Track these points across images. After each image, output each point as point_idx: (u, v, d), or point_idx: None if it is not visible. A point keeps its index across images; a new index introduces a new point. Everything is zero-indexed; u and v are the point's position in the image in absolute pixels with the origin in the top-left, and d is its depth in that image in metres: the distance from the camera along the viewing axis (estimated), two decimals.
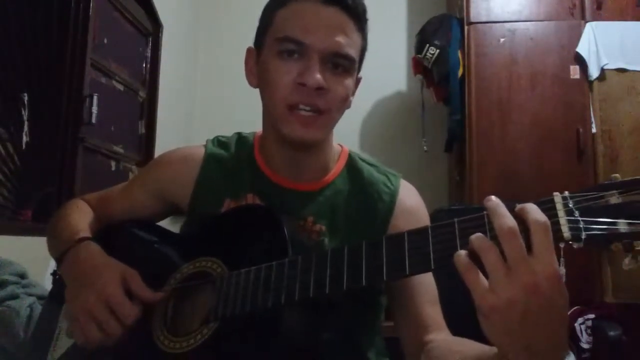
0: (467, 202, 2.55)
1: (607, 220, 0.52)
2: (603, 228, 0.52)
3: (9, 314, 1.31)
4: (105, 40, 2.19)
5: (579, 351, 2.01)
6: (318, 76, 0.78)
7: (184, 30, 3.14)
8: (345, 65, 0.82)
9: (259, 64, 0.87)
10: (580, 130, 2.44)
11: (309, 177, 0.90)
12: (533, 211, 0.53)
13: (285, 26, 0.82)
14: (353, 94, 0.89)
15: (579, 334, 2.04)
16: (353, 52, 0.83)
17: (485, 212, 0.56)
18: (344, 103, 0.85)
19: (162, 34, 2.69)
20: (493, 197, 0.55)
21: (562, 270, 0.53)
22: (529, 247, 0.52)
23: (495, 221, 0.53)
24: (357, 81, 0.90)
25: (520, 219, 0.53)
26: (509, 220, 0.52)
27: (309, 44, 0.79)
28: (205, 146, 0.98)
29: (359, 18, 0.85)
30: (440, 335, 0.82)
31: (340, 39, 0.81)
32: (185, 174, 0.95)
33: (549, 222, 0.52)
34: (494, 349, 0.59)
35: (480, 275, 0.53)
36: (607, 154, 2.43)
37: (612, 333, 1.92)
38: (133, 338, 0.75)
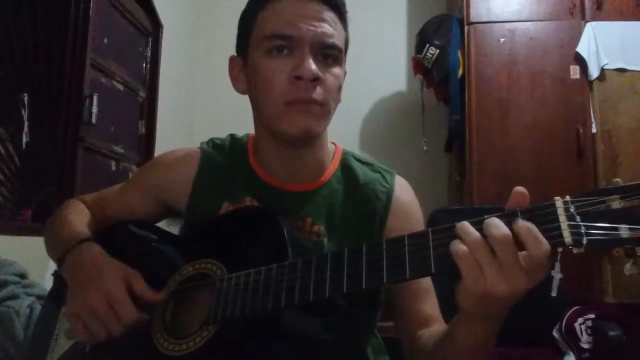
0: (467, 202, 2.56)
1: (608, 226, 0.52)
2: (604, 233, 0.52)
3: (9, 314, 1.31)
4: (105, 40, 2.19)
5: (579, 351, 2.01)
6: (313, 67, 0.79)
7: (184, 30, 3.14)
8: (334, 55, 0.83)
9: (247, 70, 0.87)
10: (580, 130, 2.44)
11: (305, 177, 0.90)
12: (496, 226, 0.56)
13: (269, 25, 0.82)
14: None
15: (579, 334, 2.04)
16: (340, 42, 0.84)
17: (485, 216, 0.58)
18: (338, 94, 0.86)
19: (162, 34, 2.69)
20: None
21: (559, 275, 0.54)
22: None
23: (488, 231, 0.56)
24: (344, 74, 0.90)
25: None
26: (503, 229, 0.55)
27: (297, 36, 0.79)
28: (201, 148, 0.98)
29: (340, 9, 0.85)
30: (431, 328, 0.84)
31: (326, 29, 0.81)
32: (182, 176, 0.95)
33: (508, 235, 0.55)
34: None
35: (476, 263, 0.56)
36: (607, 154, 2.42)
37: (612, 333, 1.92)
38: (132, 340, 0.75)
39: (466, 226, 0.58)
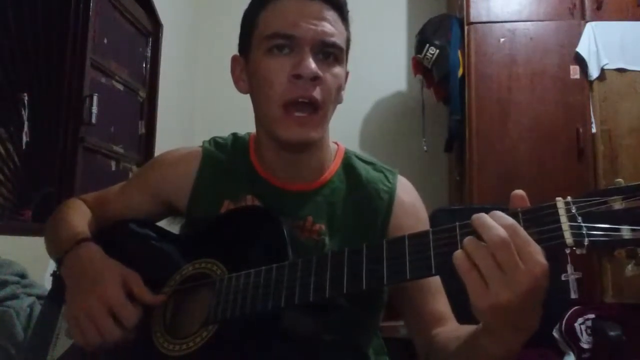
0: (467, 202, 2.55)
1: (610, 227, 0.52)
2: (606, 234, 0.52)
3: (9, 314, 1.31)
4: (105, 40, 2.19)
5: (579, 351, 2.01)
6: (313, 65, 0.79)
7: (184, 30, 3.14)
8: (335, 54, 0.83)
9: (248, 69, 0.88)
10: (580, 130, 2.44)
11: (306, 177, 0.90)
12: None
13: (271, 24, 0.82)
14: (343, 88, 0.89)
15: (579, 334, 2.03)
16: (340, 41, 0.84)
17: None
18: (338, 94, 0.86)
19: (162, 34, 2.69)
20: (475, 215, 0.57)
21: (573, 275, 0.53)
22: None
23: (485, 233, 0.54)
24: (346, 75, 0.90)
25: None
26: (500, 231, 0.54)
27: (298, 35, 0.80)
28: (202, 147, 0.98)
29: (341, 9, 0.86)
30: (445, 326, 0.84)
31: (327, 28, 0.81)
32: (183, 175, 0.95)
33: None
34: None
35: (479, 276, 0.55)
36: (607, 154, 2.42)
37: (612, 333, 1.92)
38: (132, 340, 0.75)
39: (476, 243, 0.55)
